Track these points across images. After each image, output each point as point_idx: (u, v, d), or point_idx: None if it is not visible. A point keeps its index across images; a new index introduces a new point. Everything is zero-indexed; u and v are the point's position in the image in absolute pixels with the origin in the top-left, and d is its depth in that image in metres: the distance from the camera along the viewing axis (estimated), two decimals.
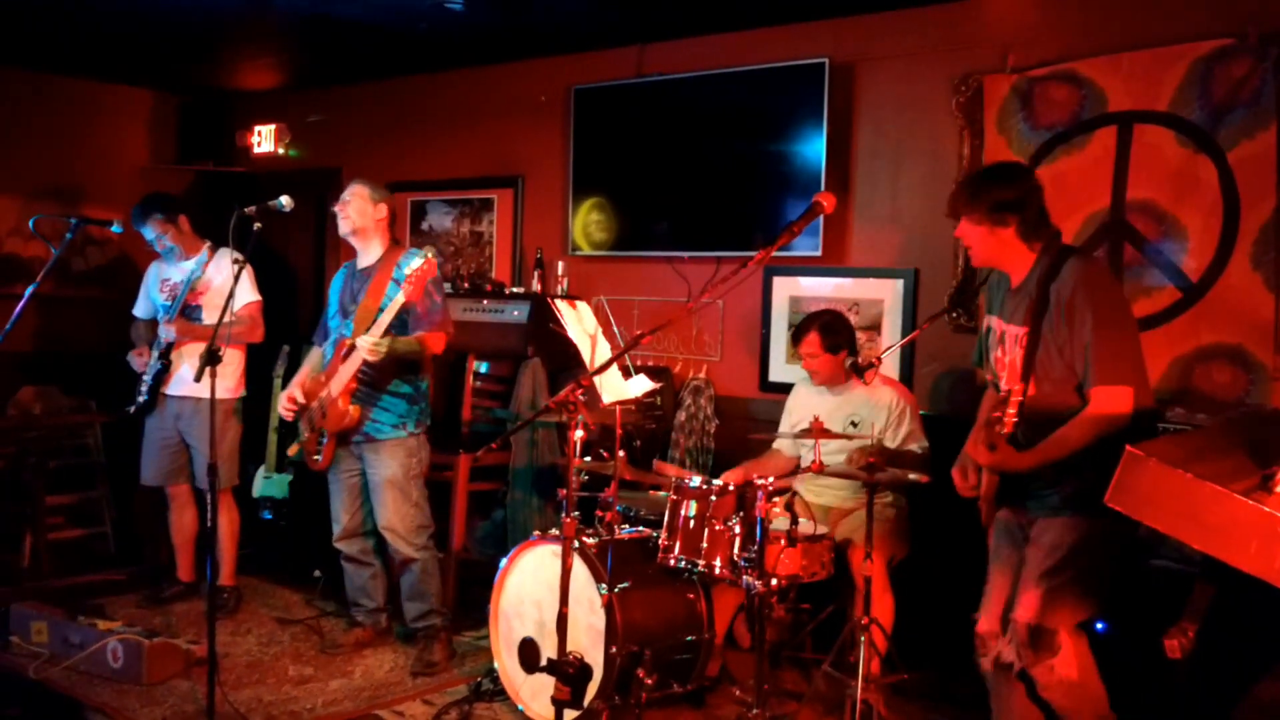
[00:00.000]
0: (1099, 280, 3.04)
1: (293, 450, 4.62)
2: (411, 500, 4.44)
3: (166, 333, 4.88)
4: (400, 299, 4.12)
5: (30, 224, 4.91)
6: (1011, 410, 2.93)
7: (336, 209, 4.48)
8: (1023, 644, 3.00)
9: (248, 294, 4.98)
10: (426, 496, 4.54)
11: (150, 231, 4.96)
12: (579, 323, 3.96)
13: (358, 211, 4.43)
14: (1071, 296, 2.94)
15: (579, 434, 4.12)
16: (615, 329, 5.57)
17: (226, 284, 4.80)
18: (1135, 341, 3.03)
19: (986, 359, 3.28)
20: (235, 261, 3.93)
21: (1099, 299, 2.96)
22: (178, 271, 5.03)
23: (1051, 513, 3.04)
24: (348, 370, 4.28)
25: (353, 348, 4.24)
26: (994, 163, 3.30)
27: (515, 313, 5.46)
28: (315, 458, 4.46)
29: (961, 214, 3.14)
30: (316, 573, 5.55)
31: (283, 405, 4.52)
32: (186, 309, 4.91)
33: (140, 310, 5.20)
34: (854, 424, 4.38)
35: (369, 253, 4.50)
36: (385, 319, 4.18)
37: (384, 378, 4.35)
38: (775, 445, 4.70)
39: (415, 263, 4.09)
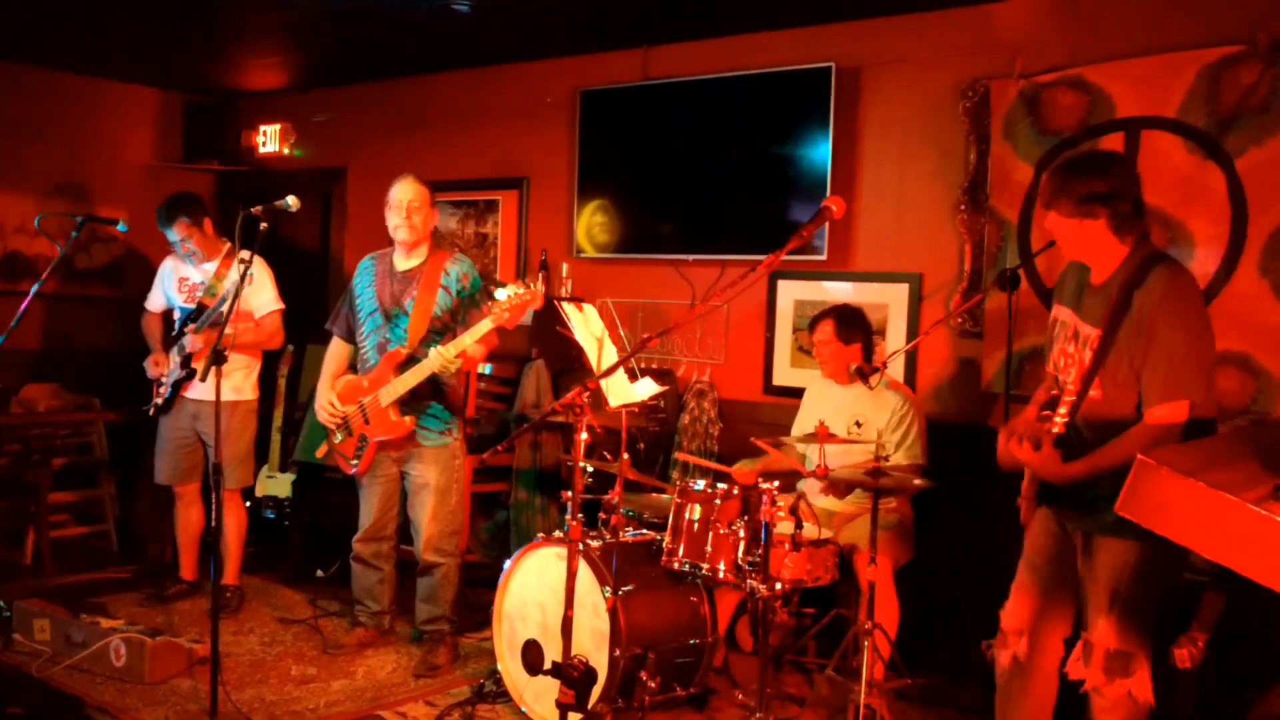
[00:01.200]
0: (1187, 293, 2.92)
1: (321, 452, 4.56)
2: (449, 506, 4.42)
3: (192, 344, 4.86)
4: (488, 324, 4.01)
5: (36, 222, 4.92)
6: (1062, 411, 2.78)
7: (398, 215, 4.32)
8: (1101, 668, 2.92)
9: (271, 302, 4.97)
10: (463, 501, 4.52)
11: (175, 234, 4.93)
12: (585, 325, 3.96)
13: (425, 221, 4.35)
14: (1156, 309, 2.82)
15: (583, 436, 4.13)
16: (621, 332, 5.58)
17: (249, 290, 4.81)
18: (1212, 356, 2.94)
19: (1049, 349, 3.19)
20: (242, 261, 3.92)
21: (1184, 312, 2.86)
22: (198, 272, 5.01)
23: (1112, 531, 2.91)
24: (407, 382, 4.19)
25: (409, 359, 4.19)
26: (1086, 151, 3.13)
27: None
28: (352, 462, 4.41)
29: (1050, 205, 2.99)
30: (320, 572, 5.56)
31: (324, 413, 4.44)
32: (214, 318, 4.89)
33: (152, 304, 5.19)
34: (858, 424, 4.38)
35: (415, 254, 4.41)
36: (468, 339, 4.07)
37: (436, 387, 4.31)
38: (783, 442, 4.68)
39: (516, 290, 3.93)
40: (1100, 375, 2.89)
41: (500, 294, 3.97)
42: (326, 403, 4.44)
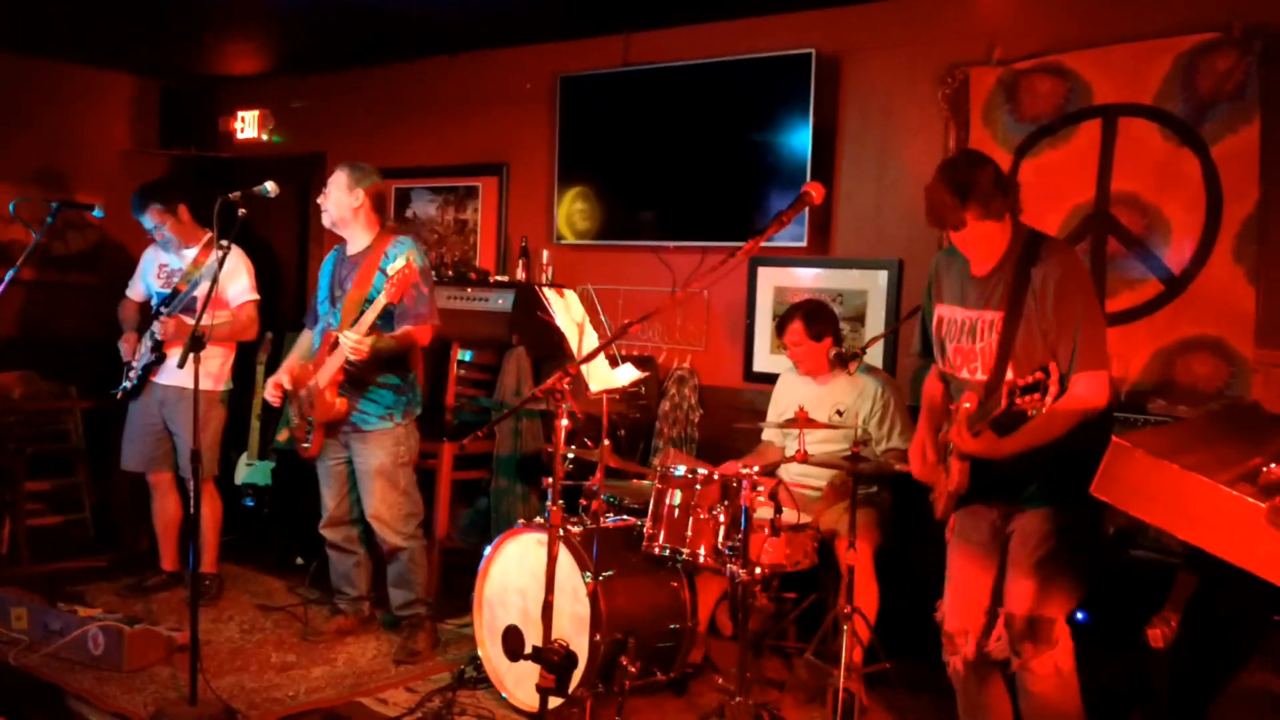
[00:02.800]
0: (1082, 268, 3.01)
1: (282, 436, 4.60)
2: (399, 488, 4.42)
3: (163, 329, 4.84)
4: (382, 300, 4.08)
5: (10, 208, 4.87)
6: (1053, 389, 2.66)
7: (319, 200, 4.44)
8: (1021, 637, 2.95)
9: (246, 292, 4.95)
10: (415, 484, 4.52)
11: (149, 220, 4.91)
12: (566, 311, 3.96)
13: (335, 203, 4.39)
14: (1061, 281, 2.87)
15: (564, 422, 4.13)
16: (602, 317, 5.58)
17: (227, 278, 4.79)
18: (1105, 330, 3.00)
19: (941, 351, 3.18)
20: (220, 247, 3.89)
21: (1087, 285, 2.93)
22: (177, 259, 4.98)
23: (1031, 504, 2.97)
24: (334, 363, 4.24)
25: (339, 340, 4.22)
26: (951, 160, 3.11)
27: (500, 301, 5.45)
28: (304, 445, 4.45)
29: (966, 220, 2.93)
30: (299, 560, 5.55)
31: (268, 391, 4.49)
32: (187, 303, 4.86)
33: (134, 292, 5.16)
34: (839, 413, 4.40)
35: (356, 240, 4.45)
36: (368, 317, 4.13)
37: (370, 370, 4.31)
38: (765, 438, 4.70)
39: (397, 264, 4.03)
40: (1012, 358, 2.91)
41: (390, 269, 4.04)
42: (274, 384, 4.48)
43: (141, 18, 5.81)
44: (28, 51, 6.64)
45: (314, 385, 4.33)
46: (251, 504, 5.82)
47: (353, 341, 4.09)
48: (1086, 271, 3.06)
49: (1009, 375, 2.88)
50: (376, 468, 4.38)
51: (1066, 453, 2.77)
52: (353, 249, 4.46)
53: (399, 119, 6.68)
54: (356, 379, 4.33)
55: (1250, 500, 2.06)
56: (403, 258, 4.05)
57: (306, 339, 4.61)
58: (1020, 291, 2.91)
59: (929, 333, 3.26)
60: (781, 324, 4.54)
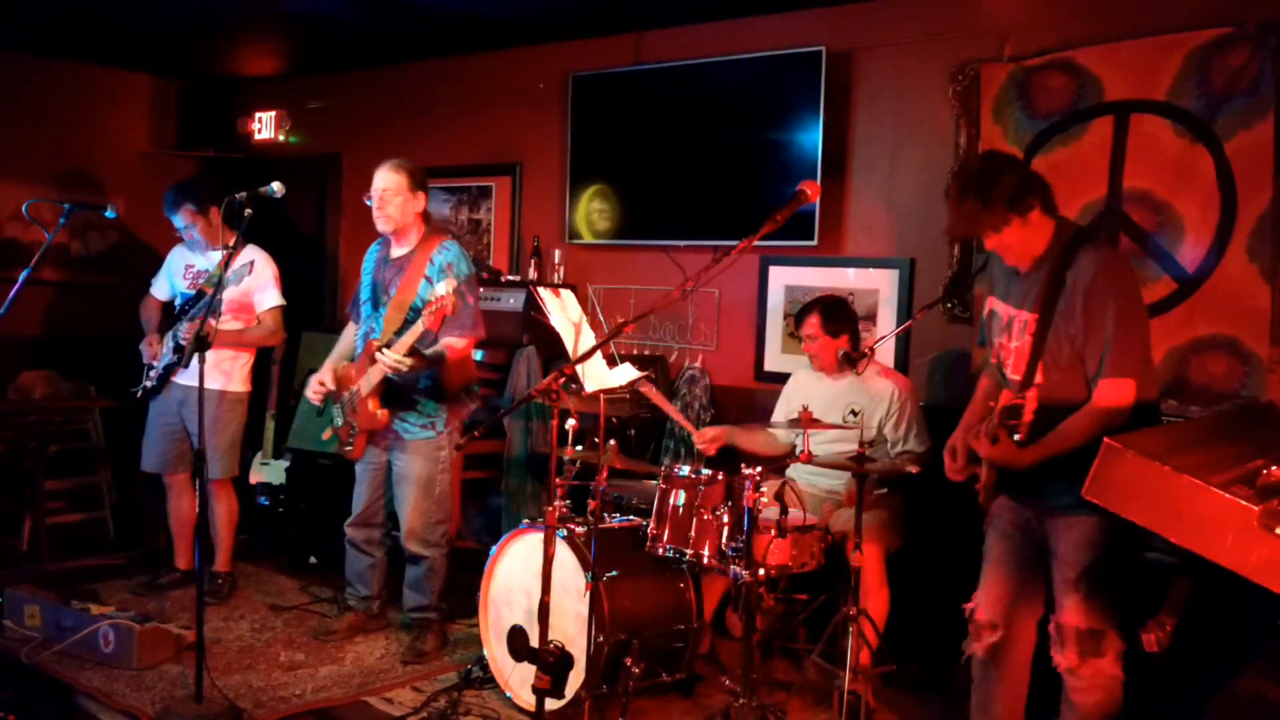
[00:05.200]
0: (1119, 269, 2.93)
1: (327, 435, 4.57)
2: (433, 496, 4.40)
3: (186, 333, 4.86)
4: (419, 328, 3.97)
5: (24, 209, 4.92)
6: (1031, 408, 2.70)
7: (373, 205, 4.26)
8: (1074, 648, 2.93)
9: (273, 298, 4.97)
10: (448, 492, 4.50)
11: (180, 220, 4.94)
12: (563, 310, 3.94)
13: (399, 210, 4.25)
14: (1091, 285, 2.83)
15: (571, 422, 4.13)
16: (601, 317, 5.57)
17: (251, 284, 4.82)
18: (1147, 333, 2.95)
19: (990, 342, 3.20)
20: (228, 248, 3.91)
21: (1120, 289, 2.86)
22: (204, 259, 5.02)
23: (1070, 511, 2.92)
24: (375, 374, 4.18)
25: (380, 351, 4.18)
26: (976, 159, 3.10)
27: (511, 301, 5.45)
28: (348, 448, 4.44)
29: (982, 228, 2.92)
30: (312, 559, 5.57)
31: (311, 389, 4.45)
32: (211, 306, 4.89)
33: (158, 290, 5.18)
34: (854, 413, 4.36)
35: (405, 241, 4.36)
36: (406, 340, 4.02)
37: (413, 381, 4.29)
38: (772, 429, 4.67)
39: (437, 290, 3.88)
40: (1043, 360, 2.90)
41: (431, 294, 3.93)
42: (318, 381, 4.45)
43: (161, 18, 5.85)
44: (48, 52, 6.70)
45: (357, 392, 4.30)
46: (266, 503, 5.85)
47: (391, 361, 4.02)
48: (1126, 274, 2.98)
49: (1039, 379, 2.89)
50: (415, 475, 4.37)
51: None
52: (398, 250, 4.38)
53: (413, 119, 6.70)
54: (399, 390, 4.29)
55: (1242, 503, 2.02)
56: (444, 285, 3.88)
57: (350, 335, 4.58)
58: (1054, 293, 2.88)
59: (984, 323, 3.26)
60: (800, 316, 4.52)
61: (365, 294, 4.47)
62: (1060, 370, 2.90)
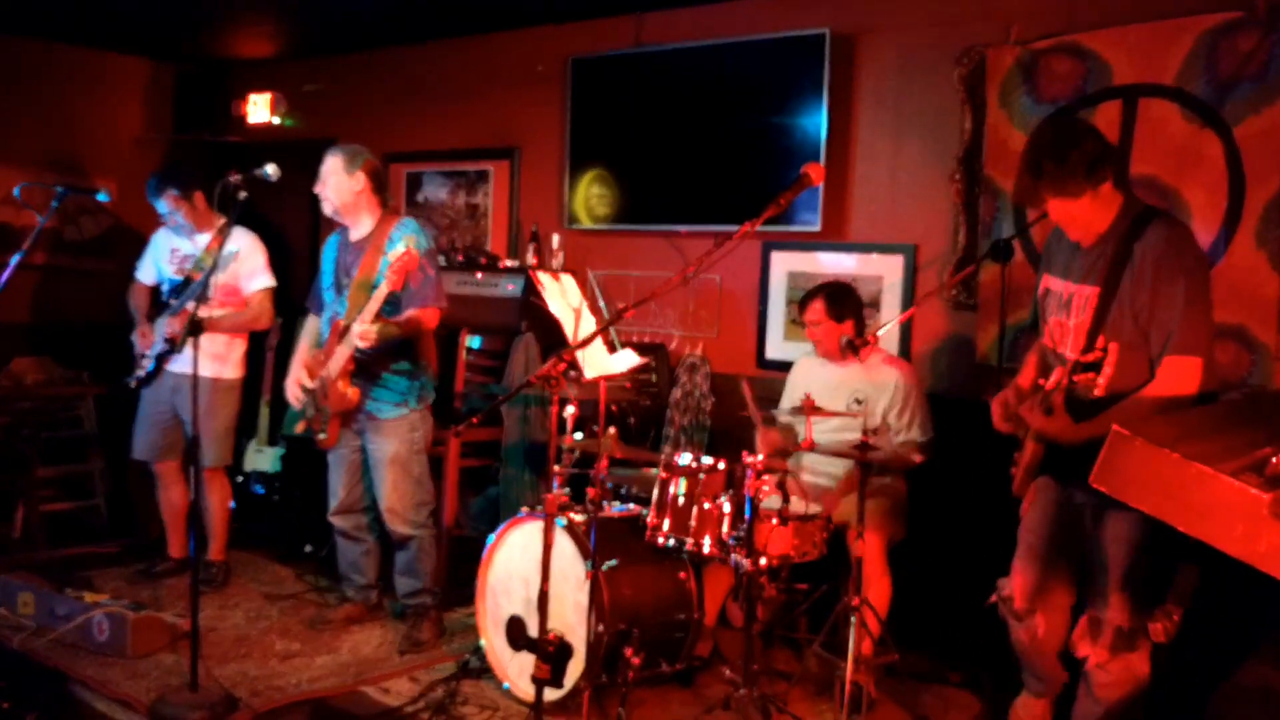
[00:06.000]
0: (1191, 247, 2.85)
1: (299, 428, 4.55)
2: (413, 476, 4.40)
3: (170, 327, 4.82)
4: (385, 288, 4.03)
5: (16, 192, 4.86)
6: (1113, 359, 2.58)
7: (316, 190, 4.35)
8: (1109, 645, 2.89)
9: (262, 280, 4.93)
10: (428, 472, 4.50)
11: (164, 205, 4.89)
12: (562, 296, 3.90)
13: (335, 189, 4.32)
14: (1161, 258, 2.74)
15: (570, 410, 4.09)
16: (601, 303, 5.52)
17: (239, 269, 4.79)
18: (1212, 318, 2.87)
19: (1044, 321, 3.11)
20: (221, 230, 3.86)
21: (1192, 267, 2.78)
22: (190, 244, 4.96)
23: (1123, 504, 2.87)
24: (344, 353, 4.20)
25: (346, 329, 4.17)
26: (1051, 127, 2.96)
27: (509, 286, 5.40)
28: (321, 436, 4.41)
29: (1054, 194, 2.84)
30: (308, 547, 5.53)
31: (292, 392, 4.46)
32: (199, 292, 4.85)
33: (144, 275, 5.13)
34: (858, 401, 4.32)
35: (360, 225, 4.40)
36: (372, 306, 4.07)
37: (382, 357, 4.28)
38: (782, 421, 4.62)
39: (397, 250, 3.98)
40: (1104, 333, 2.79)
41: (390, 256, 3.99)
42: (295, 382, 4.45)
43: (156, 2, 5.77)
44: (41, 35, 6.63)
45: (326, 376, 4.29)
46: (261, 491, 5.81)
47: (361, 330, 4.04)
48: (1197, 252, 2.91)
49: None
50: (391, 455, 4.35)
51: None
52: (356, 234, 4.41)
53: (410, 102, 6.63)
54: (368, 368, 4.29)
55: (1253, 491, 1.97)
56: (402, 243, 3.99)
57: (313, 326, 4.57)
58: (1119, 267, 2.80)
59: (1036, 304, 3.19)
60: (804, 302, 4.47)
61: (326, 281, 4.48)
62: (1122, 346, 2.75)
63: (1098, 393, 2.59)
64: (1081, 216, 2.89)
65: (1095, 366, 2.55)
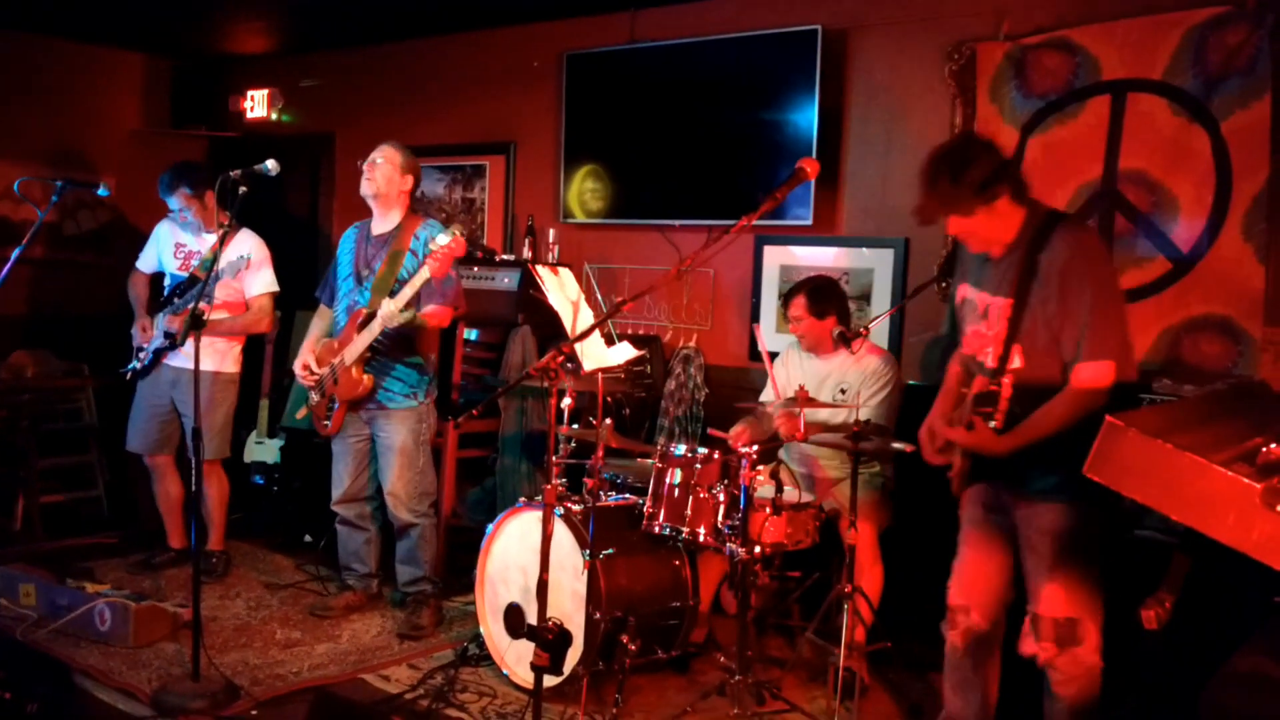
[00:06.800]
0: (1093, 252, 2.90)
1: (301, 414, 4.62)
2: (417, 466, 4.47)
3: (171, 324, 4.85)
4: (425, 274, 4.06)
5: (15, 186, 4.88)
6: (1006, 395, 2.74)
7: (364, 168, 4.42)
8: (1051, 639, 2.91)
9: (265, 285, 4.96)
10: (432, 463, 4.57)
11: (175, 202, 4.92)
12: (561, 289, 3.95)
13: (385, 178, 4.39)
14: (1065, 268, 2.80)
15: (566, 401, 4.14)
16: (598, 296, 5.56)
17: (249, 272, 4.83)
18: (1124, 314, 2.93)
19: (961, 330, 3.16)
20: (220, 225, 3.90)
21: (1096, 271, 2.83)
22: (196, 241, 4.99)
23: (1043, 497, 2.91)
24: (363, 340, 4.26)
25: (369, 317, 4.22)
26: (948, 144, 3.04)
27: (505, 280, 5.44)
28: (324, 423, 4.48)
29: (948, 211, 2.89)
30: (307, 537, 5.57)
31: (300, 374, 4.52)
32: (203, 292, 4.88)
33: (145, 264, 5.14)
34: (843, 391, 4.37)
35: (387, 219, 4.46)
36: (408, 291, 4.13)
37: (398, 348, 4.36)
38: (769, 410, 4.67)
39: (444, 239, 3.99)
40: (1020, 344, 2.87)
41: (433, 245, 4.02)
42: (302, 365, 4.50)
43: None
44: (40, 30, 6.64)
45: (339, 363, 4.35)
46: (260, 482, 5.85)
47: (393, 310, 4.11)
48: (1100, 255, 2.97)
49: (1017, 363, 2.87)
50: (399, 444, 4.41)
51: (1081, 445, 2.59)
52: (380, 228, 4.47)
53: (407, 97, 6.67)
54: (384, 357, 4.36)
55: (1245, 480, 2.02)
56: (447, 234, 4.01)
57: (325, 316, 4.62)
58: (1028, 277, 2.85)
59: (953, 310, 3.22)
60: (787, 297, 4.51)
61: (344, 271, 4.52)
62: (1037, 355, 2.86)
63: (996, 425, 2.72)
64: (980, 231, 2.94)
65: (993, 400, 2.66)
